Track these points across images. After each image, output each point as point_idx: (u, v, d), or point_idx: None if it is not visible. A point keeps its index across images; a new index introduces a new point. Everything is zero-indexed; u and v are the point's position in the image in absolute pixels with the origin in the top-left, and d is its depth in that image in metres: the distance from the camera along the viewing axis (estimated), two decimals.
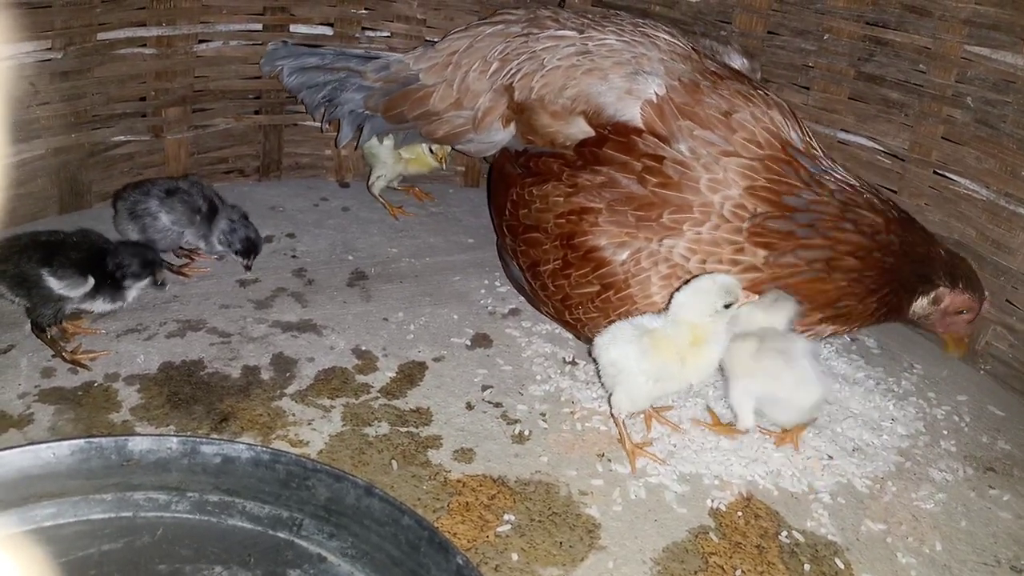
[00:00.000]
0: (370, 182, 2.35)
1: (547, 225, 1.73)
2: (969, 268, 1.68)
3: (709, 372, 1.57)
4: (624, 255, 1.64)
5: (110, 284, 1.68)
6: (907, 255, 1.62)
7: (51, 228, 2.04)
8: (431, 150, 2.28)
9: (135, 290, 1.73)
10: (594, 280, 1.66)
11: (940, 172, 1.94)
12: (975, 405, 1.82)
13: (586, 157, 1.71)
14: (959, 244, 1.92)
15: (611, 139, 1.69)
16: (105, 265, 1.67)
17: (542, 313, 1.89)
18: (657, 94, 1.69)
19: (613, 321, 1.62)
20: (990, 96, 1.80)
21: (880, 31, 1.95)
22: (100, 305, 1.70)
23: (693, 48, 1.83)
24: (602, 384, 1.61)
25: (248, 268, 2.00)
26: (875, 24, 1.95)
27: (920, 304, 1.66)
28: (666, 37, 1.82)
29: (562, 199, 1.71)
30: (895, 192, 2.02)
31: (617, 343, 1.53)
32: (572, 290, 1.70)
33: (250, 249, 1.98)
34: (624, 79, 1.73)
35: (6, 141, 1.95)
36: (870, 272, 1.60)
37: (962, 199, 1.91)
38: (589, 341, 1.67)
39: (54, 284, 1.61)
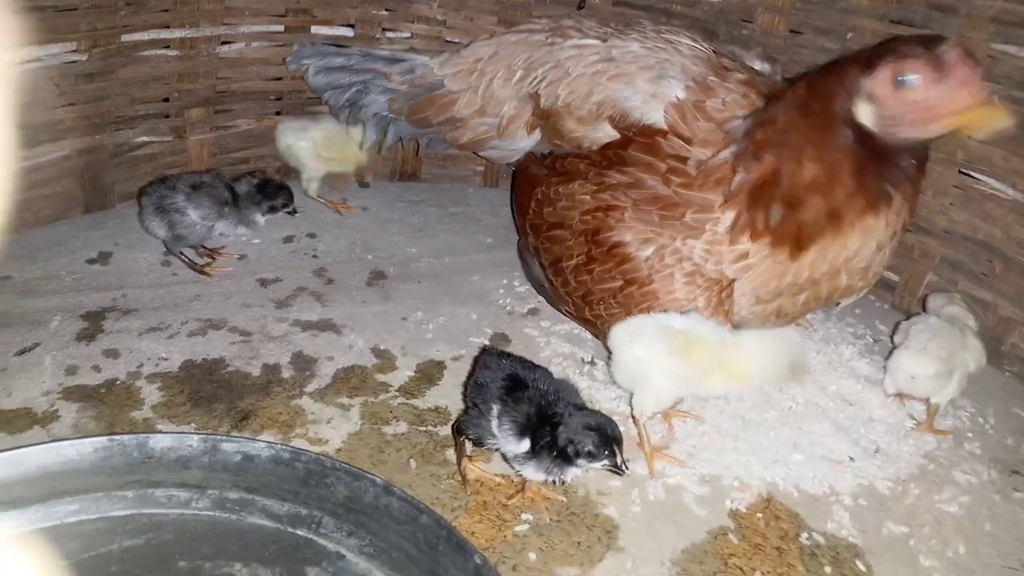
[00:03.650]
0: (303, 187, 2.30)
1: (572, 222, 1.74)
2: (898, 39, 1.42)
3: (734, 391, 1.58)
4: (648, 251, 1.64)
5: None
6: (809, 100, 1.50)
7: (74, 229, 2.09)
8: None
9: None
10: (617, 275, 1.67)
11: (965, 171, 1.92)
12: (1000, 407, 1.80)
13: (611, 158, 1.73)
14: (984, 244, 1.90)
15: (636, 141, 1.71)
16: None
17: (562, 312, 1.89)
18: (678, 96, 1.70)
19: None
20: (1017, 94, 1.77)
21: (905, 29, 1.92)
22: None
23: (713, 51, 1.82)
24: (614, 379, 1.59)
25: (295, 212, 2.10)
26: (900, 22, 1.93)
27: (864, 112, 1.41)
28: (688, 42, 1.83)
29: (588, 196, 1.72)
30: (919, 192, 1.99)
31: (642, 342, 1.51)
32: (594, 285, 1.70)
33: (288, 193, 2.07)
34: (649, 83, 1.74)
35: (30, 142, 1.98)
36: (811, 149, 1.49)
37: (988, 199, 1.88)
38: (607, 341, 1.67)
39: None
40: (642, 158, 1.68)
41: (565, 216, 1.76)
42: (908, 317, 1.82)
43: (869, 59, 1.39)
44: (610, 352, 1.58)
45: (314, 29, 2.29)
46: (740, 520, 1.44)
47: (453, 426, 1.46)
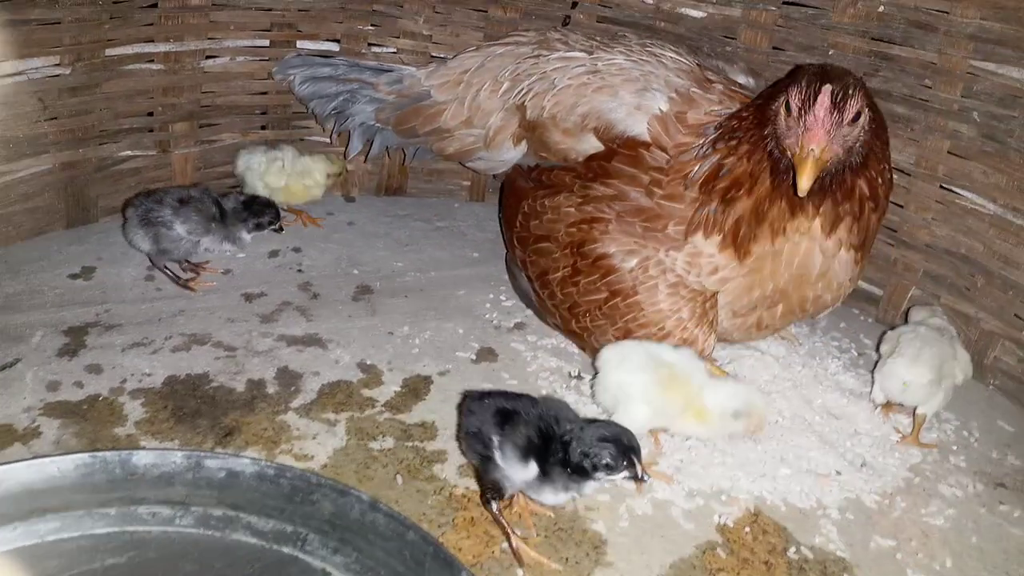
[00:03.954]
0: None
1: (558, 234, 1.76)
2: (824, 69, 1.47)
3: (701, 433, 1.59)
4: (632, 263, 1.65)
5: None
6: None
7: (56, 243, 2.07)
8: (329, 175, 2.28)
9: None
10: (602, 287, 1.67)
11: (947, 187, 1.94)
12: (984, 420, 1.81)
13: (596, 171, 1.75)
14: (966, 259, 1.92)
15: (620, 153, 1.73)
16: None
17: (548, 324, 1.89)
18: (661, 109, 1.72)
19: (620, 328, 1.64)
20: (996, 111, 1.80)
21: (886, 46, 1.95)
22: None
23: (697, 63, 1.84)
24: (593, 397, 1.61)
25: (281, 230, 2.11)
26: (880, 39, 1.95)
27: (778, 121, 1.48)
28: (671, 55, 1.85)
29: (573, 209, 1.74)
30: (901, 207, 2.01)
31: (628, 367, 1.54)
32: (580, 297, 1.71)
33: (275, 211, 2.08)
34: (634, 95, 1.76)
35: (13, 156, 1.97)
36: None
37: (969, 214, 1.90)
38: (595, 352, 1.68)
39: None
40: (626, 170, 1.70)
41: (551, 229, 1.77)
42: (893, 328, 1.83)
43: (789, 80, 1.47)
44: (596, 371, 1.59)
45: (299, 44, 2.29)
46: (728, 534, 1.44)
47: (481, 499, 1.40)
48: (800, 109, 1.40)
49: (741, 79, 1.95)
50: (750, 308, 1.66)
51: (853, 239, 1.58)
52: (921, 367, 1.65)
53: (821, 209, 1.52)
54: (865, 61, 1.96)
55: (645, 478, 1.30)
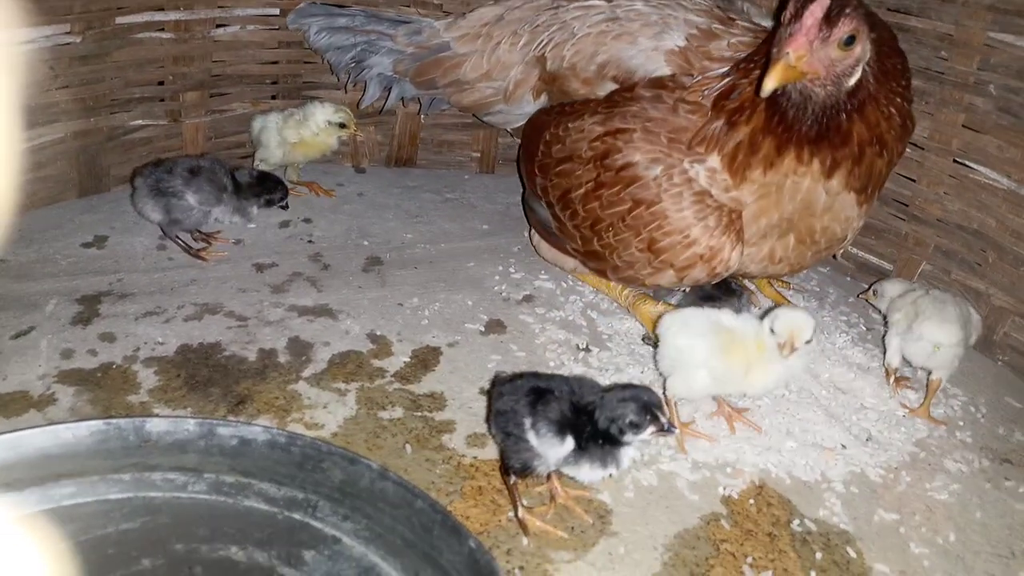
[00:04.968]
0: (254, 165, 2.27)
1: (581, 152, 1.74)
2: None
3: (766, 390, 1.58)
4: (657, 170, 1.64)
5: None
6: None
7: (69, 212, 2.08)
8: (341, 124, 2.22)
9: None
10: (626, 196, 1.66)
11: (960, 161, 1.92)
12: (991, 396, 1.81)
13: (619, 97, 1.74)
14: (978, 234, 1.91)
15: (642, 82, 1.73)
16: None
17: (569, 252, 1.87)
18: (678, 45, 1.71)
19: (644, 239, 1.64)
20: (1013, 84, 1.78)
21: (902, 17, 1.92)
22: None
23: (715, 5, 1.83)
24: (655, 362, 1.61)
25: (286, 207, 2.14)
26: (897, 10, 1.93)
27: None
28: None
29: (598, 124, 1.73)
30: (914, 181, 2.00)
31: (688, 332, 1.53)
32: (603, 211, 1.70)
33: (284, 189, 2.11)
34: (651, 39, 1.75)
35: (26, 125, 1.97)
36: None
37: (983, 188, 1.89)
38: (618, 272, 1.70)
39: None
40: (651, 92, 1.69)
41: (574, 148, 1.75)
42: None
43: None
44: (657, 339, 1.59)
45: None
46: (732, 506, 1.45)
47: (500, 470, 1.40)
48: (791, 17, 1.34)
49: (766, 23, 1.93)
50: (760, 236, 1.64)
51: (854, 183, 1.56)
52: (951, 326, 1.65)
53: (817, 156, 1.50)
54: None
55: (672, 430, 1.29)
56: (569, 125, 1.78)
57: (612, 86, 1.77)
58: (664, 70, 1.71)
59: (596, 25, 1.82)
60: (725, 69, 1.63)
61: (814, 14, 1.32)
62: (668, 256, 1.65)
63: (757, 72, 1.53)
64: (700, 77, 1.66)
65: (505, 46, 1.94)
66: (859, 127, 1.50)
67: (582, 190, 1.74)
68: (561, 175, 1.79)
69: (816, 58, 1.35)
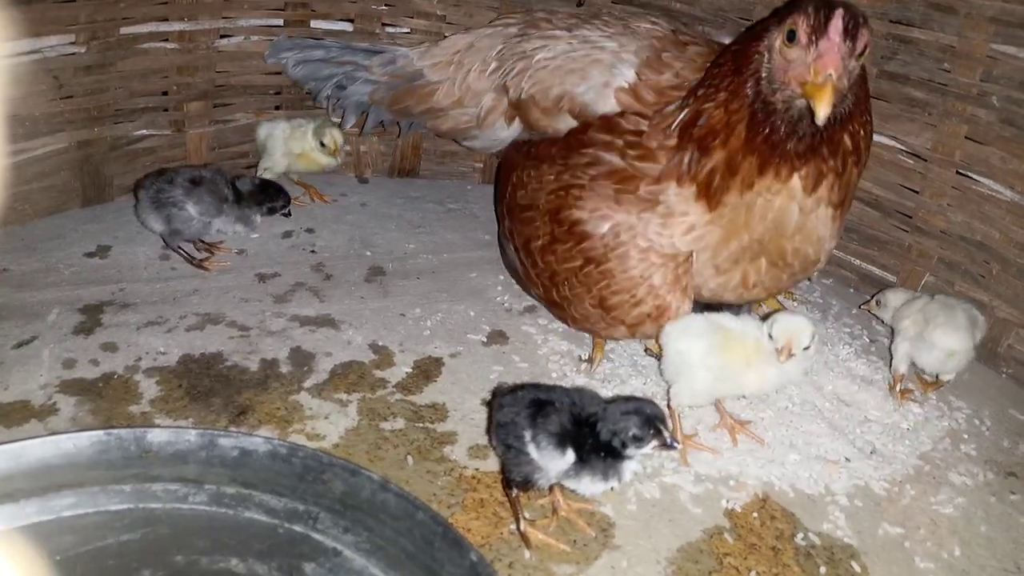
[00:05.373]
0: (258, 172, 2.28)
1: (539, 202, 1.75)
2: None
3: (765, 389, 1.58)
4: (604, 228, 1.64)
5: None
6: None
7: (72, 222, 2.08)
8: (322, 144, 2.22)
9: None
10: (577, 254, 1.67)
11: (963, 172, 1.92)
12: (996, 408, 1.80)
13: (574, 142, 1.74)
14: (981, 246, 1.90)
15: (595, 124, 1.71)
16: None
17: (532, 296, 1.90)
18: (628, 81, 1.70)
19: (595, 297, 1.64)
20: (1016, 95, 1.78)
21: (904, 29, 1.92)
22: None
23: (672, 29, 1.82)
24: (662, 374, 1.61)
25: (290, 215, 2.13)
26: (899, 22, 1.93)
27: (764, 63, 1.42)
28: (647, 25, 1.82)
29: (552, 177, 1.74)
30: (917, 192, 1.99)
31: (687, 335, 1.54)
32: (559, 265, 1.71)
33: (287, 196, 2.11)
34: (602, 73, 1.74)
35: (29, 134, 1.98)
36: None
37: (986, 200, 1.88)
38: (576, 324, 1.72)
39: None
40: (601, 137, 1.69)
41: (534, 198, 1.77)
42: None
43: (786, 11, 1.37)
44: (660, 350, 1.60)
45: (313, 23, 2.29)
46: (736, 520, 1.44)
47: (502, 482, 1.40)
48: (810, 35, 1.30)
49: (725, 40, 1.92)
50: (732, 262, 1.61)
51: (834, 197, 1.53)
52: (963, 332, 1.67)
53: (799, 171, 1.47)
54: (883, 44, 1.94)
55: (675, 445, 1.28)
56: (532, 173, 1.79)
57: (569, 118, 1.77)
58: (615, 108, 1.69)
59: (554, 58, 1.82)
60: (679, 102, 1.61)
61: (838, 28, 1.30)
62: (618, 314, 1.65)
63: (722, 95, 1.50)
64: (655, 118, 1.62)
65: (475, 74, 1.95)
66: (845, 136, 1.48)
67: (540, 242, 1.75)
68: (524, 223, 1.80)
69: (844, 75, 1.34)
